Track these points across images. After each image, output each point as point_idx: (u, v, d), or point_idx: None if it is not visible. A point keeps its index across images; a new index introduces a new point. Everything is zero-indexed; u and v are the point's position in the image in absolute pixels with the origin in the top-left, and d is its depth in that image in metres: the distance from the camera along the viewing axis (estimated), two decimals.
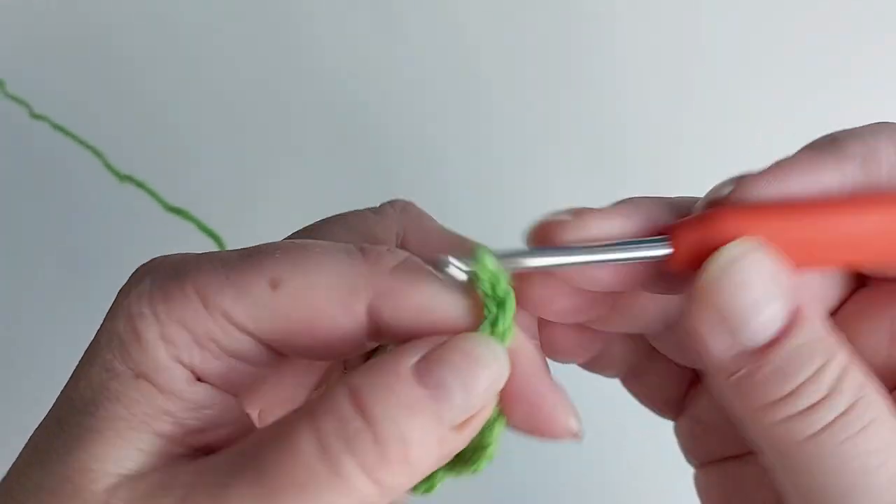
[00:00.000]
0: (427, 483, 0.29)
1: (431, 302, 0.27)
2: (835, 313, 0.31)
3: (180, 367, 0.27)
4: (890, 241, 0.27)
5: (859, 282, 0.31)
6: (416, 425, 0.24)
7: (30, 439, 0.27)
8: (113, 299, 0.28)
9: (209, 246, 0.56)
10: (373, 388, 0.24)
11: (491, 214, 0.69)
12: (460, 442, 0.26)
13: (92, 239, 0.67)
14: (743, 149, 0.66)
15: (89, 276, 0.65)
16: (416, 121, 0.71)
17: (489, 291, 0.27)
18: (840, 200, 0.27)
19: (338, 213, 0.34)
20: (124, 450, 0.26)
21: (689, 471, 0.38)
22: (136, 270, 0.29)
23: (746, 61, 0.72)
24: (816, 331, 0.26)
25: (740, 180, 0.28)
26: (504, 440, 0.28)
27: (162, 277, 0.27)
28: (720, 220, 0.27)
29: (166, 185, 0.63)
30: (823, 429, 0.25)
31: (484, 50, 0.73)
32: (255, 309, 0.27)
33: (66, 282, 0.67)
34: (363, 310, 0.27)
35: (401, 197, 0.36)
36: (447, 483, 0.29)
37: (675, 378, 0.38)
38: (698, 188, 0.30)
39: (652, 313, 0.33)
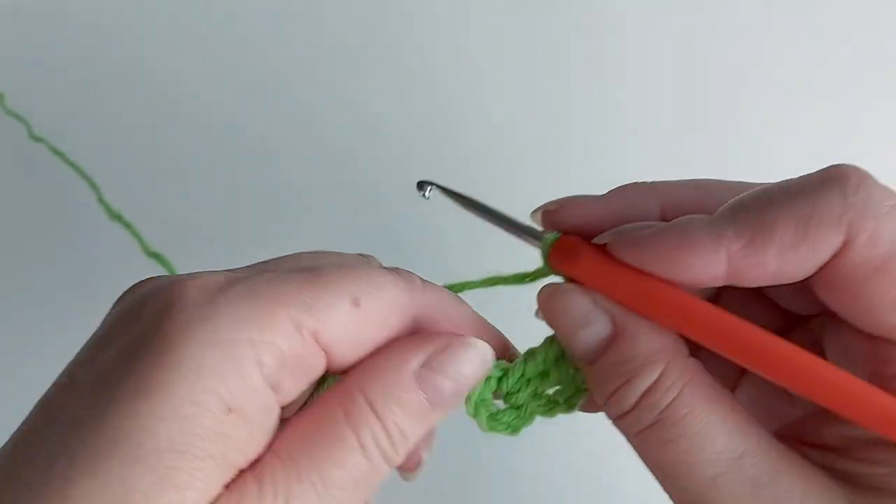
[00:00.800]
0: (517, 424, 0.34)
1: (453, 311, 0.31)
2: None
3: (271, 392, 0.27)
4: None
5: None
6: (418, 427, 0.29)
7: (84, 469, 0.24)
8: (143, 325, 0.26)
9: None
10: (387, 403, 0.28)
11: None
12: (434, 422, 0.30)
13: (75, 264, 0.68)
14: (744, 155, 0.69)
15: (72, 300, 0.66)
16: (409, 166, 0.72)
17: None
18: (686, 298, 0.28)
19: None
20: (214, 488, 0.25)
21: None
22: (182, 289, 0.27)
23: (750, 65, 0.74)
24: (629, 350, 0.29)
25: (614, 236, 0.30)
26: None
27: (243, 300, 0.27)
28: (571, 256, 0.31)
29: (150, 223, 0.65)
30: (636, 434, 0.28)
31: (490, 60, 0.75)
32: (338, 327, 0.28)
33: (49, 302, 0.66)
34: (410, 321, 0.30)
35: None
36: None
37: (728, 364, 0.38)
38: None
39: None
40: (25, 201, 0.71)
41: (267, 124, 0.75)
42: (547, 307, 0.31)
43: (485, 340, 0.31)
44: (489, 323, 0.33)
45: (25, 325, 0.65)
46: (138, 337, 0.26)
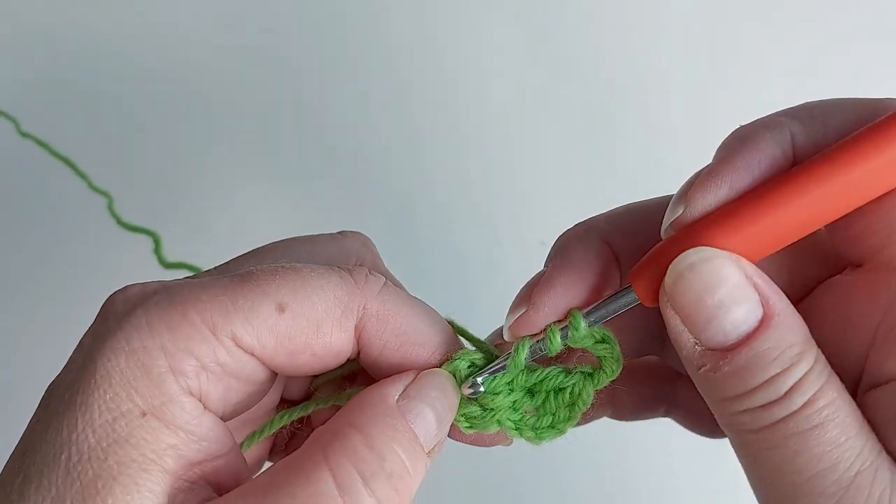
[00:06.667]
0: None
1: (410, 326, 0.30)
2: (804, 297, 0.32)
3: (189, 397, 0.27)
4: (848, 197, 0.27)
5: (831, 267, 0.32)
6: (419, 461, 0.28)
7: (32, 484, 0.26)
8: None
9: None
10: (382, 431, 0.27)
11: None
12: (428, 466, 0.29)
13: (72, 265, 0.68)
14: None
15: (72, 301, 0.65)
16: (403, 141, 0.73)
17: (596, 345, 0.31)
18: (789, 174, 0.27)
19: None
20: (139, 494, 0.26)
21: None
22: (111, 303, 0.28)
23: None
24: (786, 336, 0.27)
25: (687, 194, 0.29)
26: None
27: (158, 308, 0.27)
28: (668, 254, 0.28)
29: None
30: (775, 423, 0.26)
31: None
32: (263, 332, 0.28)
33: (45, 303, 0.66)
34: (353, 328, 0.29)
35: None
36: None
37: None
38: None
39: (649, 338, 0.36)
40: (19, 198, 0.71)
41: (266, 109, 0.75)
42: (688, 281, 0.27)
43: (442, 343, 0.31)
44: (446, 324, 0.32)
45: (22, 321, 0.65)
46: (73, 355, 0.28)
